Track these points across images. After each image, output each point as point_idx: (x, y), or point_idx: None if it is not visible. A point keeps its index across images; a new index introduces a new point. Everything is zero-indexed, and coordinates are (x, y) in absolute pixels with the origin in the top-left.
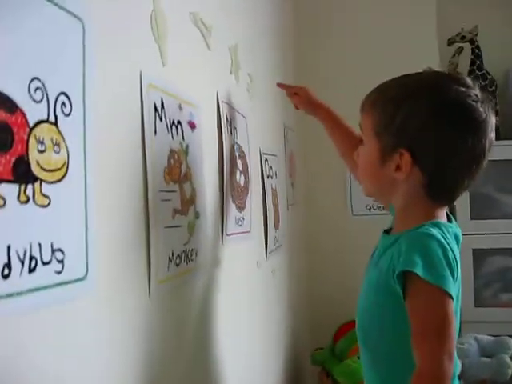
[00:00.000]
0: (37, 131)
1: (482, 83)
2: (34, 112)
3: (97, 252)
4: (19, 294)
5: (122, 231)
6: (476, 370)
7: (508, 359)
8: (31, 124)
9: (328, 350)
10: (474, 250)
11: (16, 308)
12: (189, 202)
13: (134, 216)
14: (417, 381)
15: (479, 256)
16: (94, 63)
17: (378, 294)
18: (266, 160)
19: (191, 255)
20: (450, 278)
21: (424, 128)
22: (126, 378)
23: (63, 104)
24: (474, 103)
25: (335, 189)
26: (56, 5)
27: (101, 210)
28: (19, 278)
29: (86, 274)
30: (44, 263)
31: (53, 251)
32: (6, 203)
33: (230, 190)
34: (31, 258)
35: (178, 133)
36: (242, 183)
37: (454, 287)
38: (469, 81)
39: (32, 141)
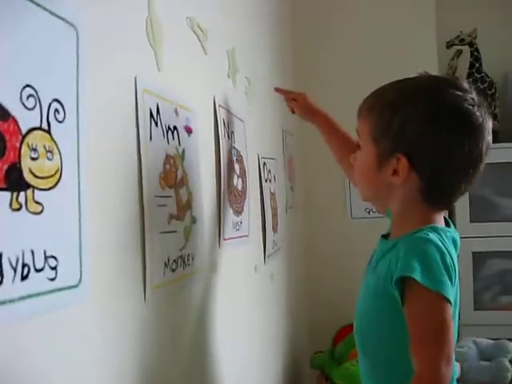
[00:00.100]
0: (29, 138)
1: (481, 86)
2: (26, 119)
3: (91, 258)
4: (11, 301)
5: (117, 237)
6: (475, 373)
7: (507, 363)
8: (24, 131)
9: (327, 353)
10: (473, 252)
11: (8, 315)
12: (185, 207)
13: (128, 222)
14: None
15: (478, 259)
16: (88, 69)
17: (377, 299)
18: (265, 164)
19: (188, 260)
20: (448, 282)
21: (421, 132)
22: None
23: (56, 111)
24: (470, 107)
25: (334, 192)
26: (49, 11)
27: (95, 216)
28: (11, 286)
29: (80, 281)
30: (37, 270)
31: (46, 258)
32: None
33: (228, 195)
34: (24, 265)
35: (174, 138)
36: (239, 187)
37: (452, 292)
38: (465, 85)
39: (24, 148)
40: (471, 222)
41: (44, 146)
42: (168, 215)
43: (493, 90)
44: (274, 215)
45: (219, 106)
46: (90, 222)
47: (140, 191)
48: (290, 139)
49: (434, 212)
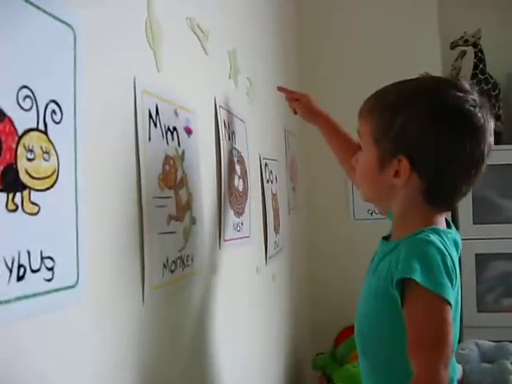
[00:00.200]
0: (26, 139)
1: (485, 87)
2: (22, 120)
3: (89, 259)
4: (7, 301)
5: (116, 238)
6: (477, 375)
7: (509, 365)
8: (20, 132)
9: (329, 354)
10: (476, 254)
11: (4, 316)
12: (185, 208)
13: (127, 223)
14: None
15: (481, 261)
16: (86, 70)
17: (377, 301)
18: (266, 165)
19: (187, 261)
20: (449, 284)
21: (422, 133)
22: None
23: (53, 112)
24: (472, 108)
25: (337, 193)
26: (46, 12)
27: (93, 217)
28: (7, 286)
29: (77, 281)
30: (33, 271)
31: (42, 259)
32: None
33: (228, 195)
34: (19, 265)
35: (173, 139)
36: (240, 188)
37: (453, 294)
38: (467, 86)
39: (21, 149)
40: (474, 223)
41: (40, 147)
42: (167, 216)
43: (497, 91)
44: (276, 216)
45: (220, 106)
46: (87, 222)
47: (139, 192)
48: (292, 139)
49: (435, 213)
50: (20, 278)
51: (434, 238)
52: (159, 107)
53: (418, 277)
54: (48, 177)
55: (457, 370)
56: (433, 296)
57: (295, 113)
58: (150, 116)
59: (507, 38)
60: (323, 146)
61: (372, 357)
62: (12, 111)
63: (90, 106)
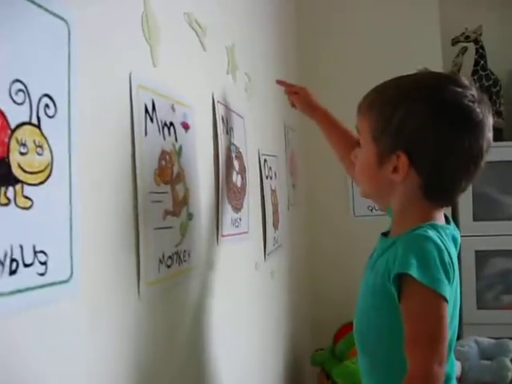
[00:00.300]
0: (18, 133)
1: (486, 83)
2: (15, 114)
3: (83, 253)
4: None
5: (110, 233)
6: (476, 372)
7: (508, 362)
8: (13, 126)
9: (328, 350)
10: (476, 251)
11: None
12: (181, 204)
13: (122, 217)
14: None
15: (481, 258)
16: (81, 65)
17: (375, 297)
18: (265, 160)
19: (184, 257)
20: (446, 280)
21: (421, 128)
22: (115, 382)
23: (47, 106)
24: (470, 104)
25: (337, 189)
26: (39, 6)
27: (87, 211)
28: None
29: (71, 276)
30: (26, 265)
31: (35, 253)
32: None
33: (226, 191)
34: (12, 260)
35: (170, 134)
36: (238, 184)
37: (450, 290)
38: (465, 81)
39: (13, 143)
40: (474, 220)
41: (34, 141)
42: (163, 211)
43: (498, 88)
44: (275, 212)
45: (218, 102)
46: (82, 217)
47: (134, 187)
48: (292, 135)
49: (434, 209)
50: (12, 272)
51: (431, 233)
52: (155, 102)
53: (414, 272)
54: (41, 171)
55: (456, 367)
56: (429, 292)
57: (294, 106)
58: (146, 111)
59: (508, 34)
60: (323, 141)
61: (370, 353)
62: (4, 105)
63: (84, 101)
